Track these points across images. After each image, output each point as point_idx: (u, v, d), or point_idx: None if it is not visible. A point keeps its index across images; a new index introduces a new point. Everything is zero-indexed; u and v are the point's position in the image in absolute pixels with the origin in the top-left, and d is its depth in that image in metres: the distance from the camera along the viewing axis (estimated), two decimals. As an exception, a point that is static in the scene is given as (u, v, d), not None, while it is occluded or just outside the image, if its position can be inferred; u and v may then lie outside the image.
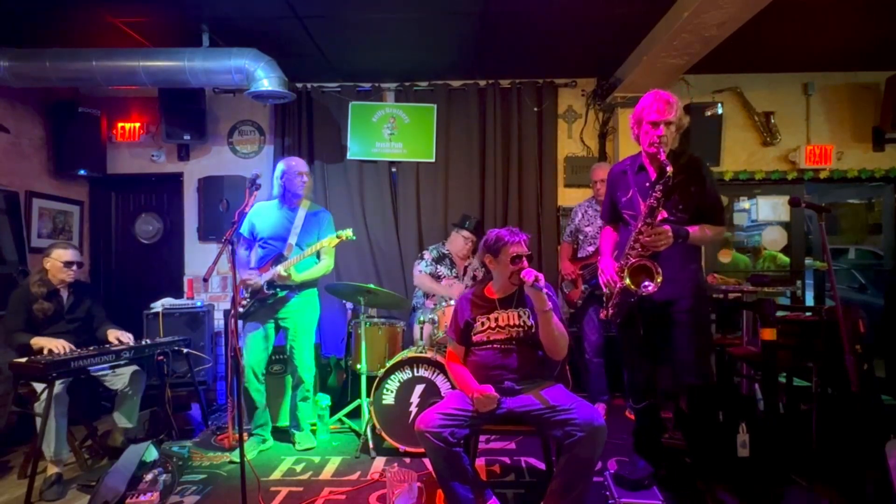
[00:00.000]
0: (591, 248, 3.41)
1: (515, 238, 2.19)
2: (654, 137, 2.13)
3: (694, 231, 2.15)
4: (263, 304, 2.94)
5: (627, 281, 2.11)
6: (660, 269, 2.06)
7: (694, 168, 2.22)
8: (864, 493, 2.20)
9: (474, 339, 2.24)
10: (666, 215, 2.14)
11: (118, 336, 2.98)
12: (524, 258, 2.16)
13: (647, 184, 2.17)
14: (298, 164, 3.02)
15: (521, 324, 2.19)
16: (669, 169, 2.00)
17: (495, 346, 2.19)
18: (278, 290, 2.90)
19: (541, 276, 2.02)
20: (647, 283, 2.07)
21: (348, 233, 2.90)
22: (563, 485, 1.93)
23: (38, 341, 2.73)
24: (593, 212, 3.45)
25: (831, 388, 2.52)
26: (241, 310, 2.90)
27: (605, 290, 2.34)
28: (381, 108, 4.31)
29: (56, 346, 2.70)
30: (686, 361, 2.21)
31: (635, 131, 2.25)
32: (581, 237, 3.51)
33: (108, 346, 2.88)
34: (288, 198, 2.99)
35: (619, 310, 2.29)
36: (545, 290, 2.03)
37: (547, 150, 4.26)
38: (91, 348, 2.80)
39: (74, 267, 2.91)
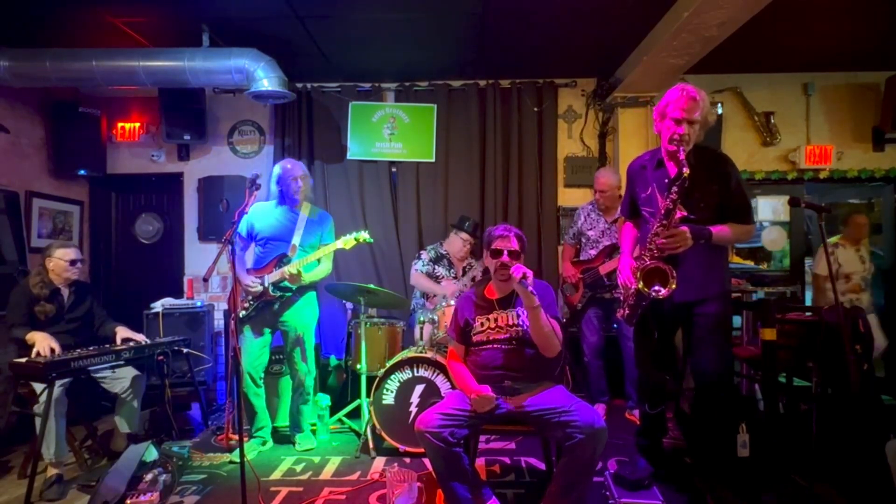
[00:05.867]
0: (592, 252, 3.38)
1: (504, 233, 2.20)
2: (675, 135, 2.04)
3: (717, 231, 2.05)
4: (268, 306, 2.92)
5: (641, 284, 2.04)
6: (675, 274, 1.97)
7: (717, 165, 2.13)
8: (864, 492, 2.21)
9: (474, 338, 2.24)
10: (686, 214, 2.03)
11: (129, 336, 2.96)
12: (504, 252, 2.16)
13: (666, 180, 2.08)
14: (294, 167, 2.94)
15: (521, 323, 2.19)
16: (686, 171, 1.91)
17: (496, 345, 2.20)
18: (286, 292, 2.89)
19: (529, 272, 2.00)
20: (657, 288, 1.99)
21: (365, 235, 2.90)
22: (563, 486, 1.93)
23: (32, 336, 2.71)
24: (596, 215, 3.42)
25: (831, 388, 2.52)
26: (242, 312, 2.88)
27: (622, 289, 2.28)
28: (381, 108, 4.31)
29: (43, 346, 2.65)
30: (709, 371, 2.14)
31: (658, 125, 2.16)
32: (584, 240, 3.48)
33: (107, 346, 2.87)
34: (285, 200, 2.97)
35: (633, 311, 2.22)
36: (531, 289, 1.98)
37: (547, 150, 4.26)
38: (91, 348, 2.79)
39: (78, 264, 2.94)
